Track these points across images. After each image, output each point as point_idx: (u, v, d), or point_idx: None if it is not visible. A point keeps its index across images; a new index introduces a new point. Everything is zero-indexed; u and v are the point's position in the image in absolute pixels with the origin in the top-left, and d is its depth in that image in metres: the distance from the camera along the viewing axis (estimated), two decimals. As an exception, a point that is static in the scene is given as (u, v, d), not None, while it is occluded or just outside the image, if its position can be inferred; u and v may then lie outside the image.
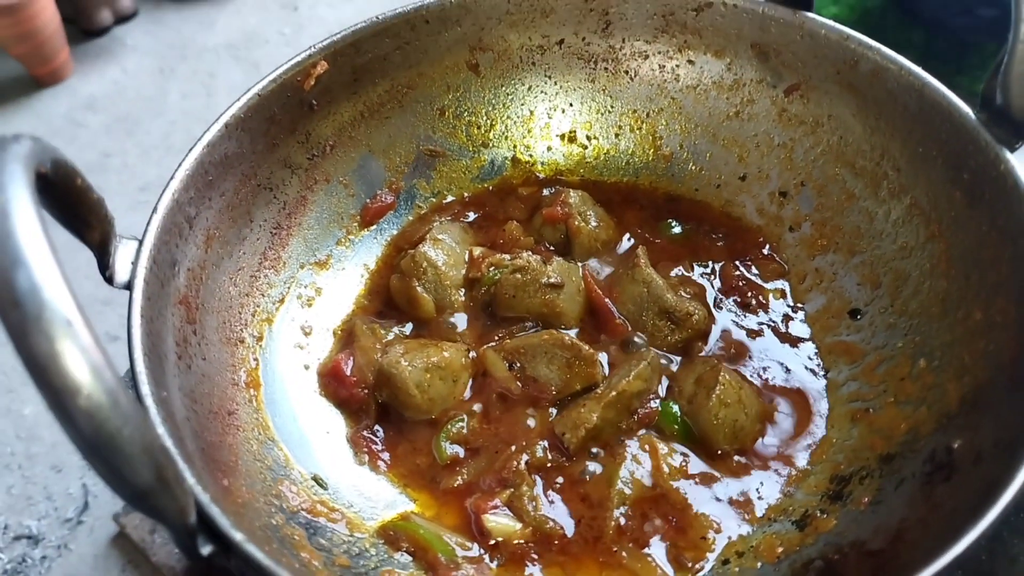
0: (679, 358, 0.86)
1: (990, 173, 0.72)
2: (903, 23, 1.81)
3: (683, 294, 0.89)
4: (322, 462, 0.78)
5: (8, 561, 1.22)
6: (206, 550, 0.53)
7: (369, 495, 0.77)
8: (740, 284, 0.90)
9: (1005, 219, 0.70)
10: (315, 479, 0.76)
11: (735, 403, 0.77)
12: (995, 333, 0.70)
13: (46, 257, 0.44)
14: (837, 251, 0.89)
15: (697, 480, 0.76)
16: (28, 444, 1.34)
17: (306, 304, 0.89)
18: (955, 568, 0.53)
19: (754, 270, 0.92)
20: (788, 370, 0.84)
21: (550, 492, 0.76)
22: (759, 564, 0.70)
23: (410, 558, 0.71)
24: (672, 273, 0.92)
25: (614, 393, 0.78)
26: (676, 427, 0.79)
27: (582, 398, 0.81)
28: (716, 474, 0.77)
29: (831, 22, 0.85)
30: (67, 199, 0.58)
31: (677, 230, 0.97)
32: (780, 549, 0.70)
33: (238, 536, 0.52)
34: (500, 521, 0.73)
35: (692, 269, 0.92)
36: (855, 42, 0.83)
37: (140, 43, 2.05)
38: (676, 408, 0.80)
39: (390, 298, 0.91)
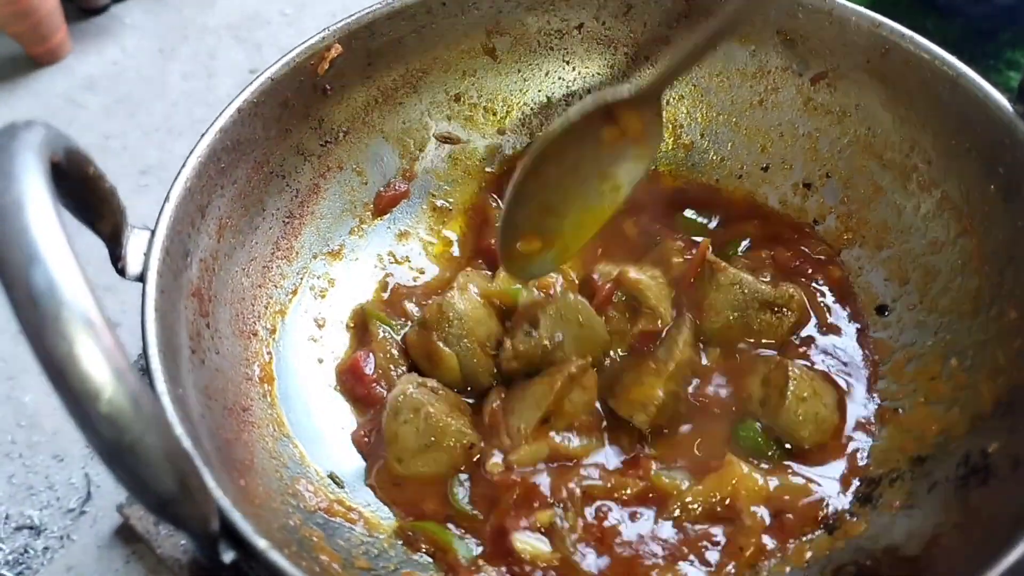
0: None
1: (1028, 167, 0.71)
2: (917, 9, 1.78)
3: (763, 278, 0.85)
4: (337, 459, 0.76)
5: (10, 552, 1.20)
6: (228, 557, 0.51)
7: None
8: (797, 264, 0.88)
9: (1043, 216, 0.69)
10: (331, 477, 0.74)
11: (812, 395, 0.75)
12: (1031, 333, 0.68)
13: (64, 254, 0.42)
14: (863, 245, 0.87)
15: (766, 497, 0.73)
16: (29, 432, 1.32)
17: (319, 295, 0.86)
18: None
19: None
20: (843, 362, 0.82)
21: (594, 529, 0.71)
22: (788, 568, 0.68)
23: (430, 559, 0.69)
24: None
25: (673, 364, 0.77)
26: (760, 440, 0.76)
27: (637, 375, 0.78)
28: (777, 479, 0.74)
29: (862, 9, 0.83)
30: (79, 189, 0.55)
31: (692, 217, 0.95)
32: (809, 554, 0.68)
33: (262, 544, 0.50)
34: (530, 542, 0.69)
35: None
36: (887, 30, 0.81)
37: (139, 22, 2.01)
38: (757, 425, 0.77)
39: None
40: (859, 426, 0.77)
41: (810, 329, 0.84)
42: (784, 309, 0.82)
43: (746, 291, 0.82)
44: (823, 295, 0.87)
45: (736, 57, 0.93)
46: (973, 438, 0.68)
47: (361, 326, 0.85)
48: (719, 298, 0.83)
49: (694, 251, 0.88)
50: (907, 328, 0.80)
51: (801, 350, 0.82)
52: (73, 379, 0.40)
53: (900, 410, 0.76)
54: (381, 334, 0.83)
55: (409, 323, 0.86)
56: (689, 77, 0.96)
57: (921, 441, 0.72)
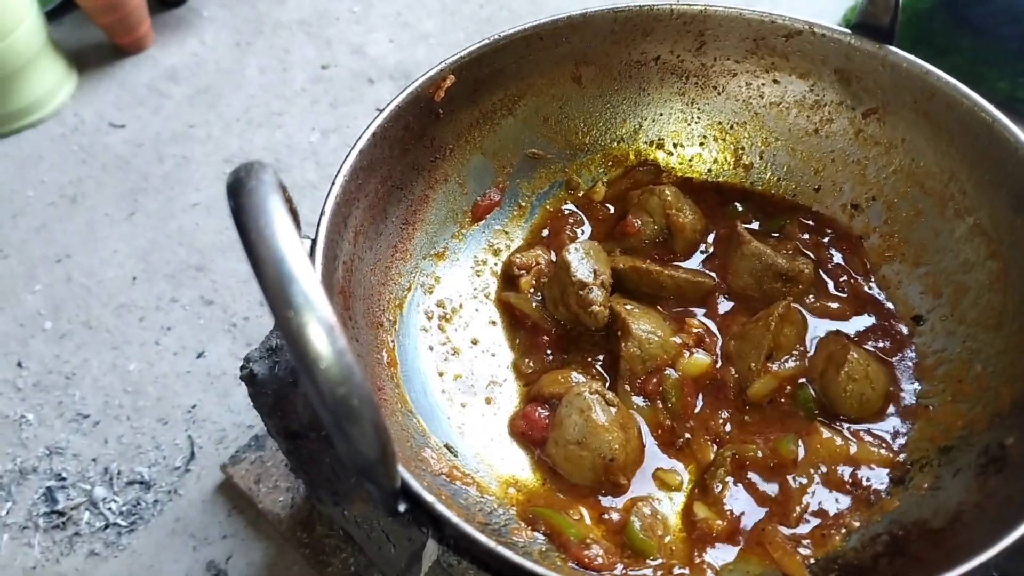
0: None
1: (1050, 206, 0.83)
2: (952, 27, 1.88)
3: (786, 252, 1.01)
4: (451, 432, 0.90)
5: (123, 503, 1.35)
6: (402, 507, 0.65)
7: (491, 463, 0.89)
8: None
9: (1061, 248, 0.81)
10: (447, 447, 0.88)
11: (862, 379, 0.88)
12: (1046, 347, 0.81)
13: (310, 275, 0.55)
14: (903, 261, 0.99)
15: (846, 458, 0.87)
16: (135, 398, 1.47)
17: (427, 292, 1.00)
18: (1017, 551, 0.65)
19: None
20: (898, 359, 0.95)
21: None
22: (836, 536, 0.82)
23: (544, 537, 0.82)
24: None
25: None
26: (812, 404, 0.91)
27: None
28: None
29: (912, 56, 0.94)
30: (283, 214, 0.68)
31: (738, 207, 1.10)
32: (856, 523, 0.82)
33: (430, 498, 0.65)
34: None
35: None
36: (934, 77, 0.93)
37: (216, 15, 2.14)
38: (811, 390, 0.92)
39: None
40: (899, 418, 0.90)
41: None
42: (794, 279, 0.98)
43: (762, 262, 0.98)
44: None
45: (795, 90, 1.05)
46: (992, 433, 0.81)
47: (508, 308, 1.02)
48: (741, 266, 1.00)
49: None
50: (939, 336, 0.93)
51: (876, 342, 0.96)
52: (320, 371, 0.54)
53: (931, 407, 0.89)
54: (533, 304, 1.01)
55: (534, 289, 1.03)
56: (751, 106, 1.08)
57: (948, 434, 0.85)
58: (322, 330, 0.54)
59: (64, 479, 1.37)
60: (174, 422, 1.44)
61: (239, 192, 0.59)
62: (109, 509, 1.34)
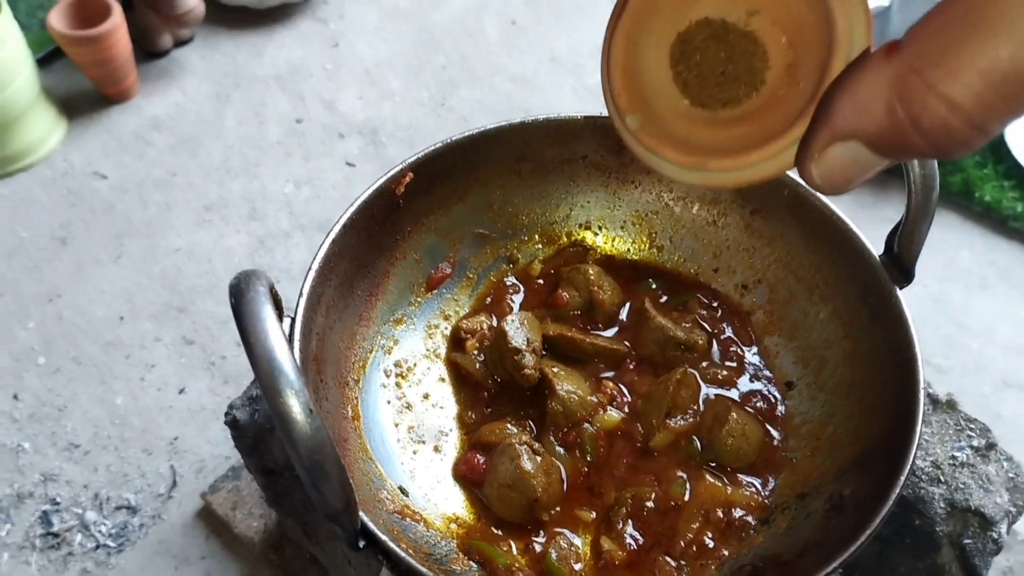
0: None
1: (886, 302, 1.04)
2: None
3: (685, 325, 1.20)
4: (403, 476, 1.08)
5: (112, 526, 1.51)
6: (362, 544, 0.83)
7: (436, 502, 1.08)
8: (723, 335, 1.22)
9: (892, 338, 1.02)
10: (400, 488, 1.06)
11: (740, 435, 1.08)
12: (878, 415, 1.01)
13: (293, 367, 0.73)
14: (780, 335, 1.20)
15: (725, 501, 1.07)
16: (121, 429, 1.63)
17: (387, 353, 1.18)
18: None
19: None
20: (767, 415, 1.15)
21: None
22: (712, 565, 1.02)
23: (477, 565, 1.01)
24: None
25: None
26: (699, 455, 1.10)
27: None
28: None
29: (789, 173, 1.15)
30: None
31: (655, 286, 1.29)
32: (725, 553, 1.02)
33: (385, 538, 0.83)
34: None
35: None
36: (802, 188, 1.14)
37: (197, 67, 2.30)
38: (698, 443, 1.11)
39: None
40: (769, 468, 1.11)
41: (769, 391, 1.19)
42: (691, 349, 1.19)
43: (664, 335, 1.18)
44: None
45: (698, 188, 1.26)
46: (837, 483, 1.02)
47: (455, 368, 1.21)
48: (647, 337, 1.20)
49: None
50: (804, 400, 1.14)
51: (756, 403, 1.16)
52: (302, 443, 0.72)
53: (794, 459, 1.09)
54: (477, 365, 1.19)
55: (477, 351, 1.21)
56: (662, 199, 1.29)
57: (805, 483, 1.06)
58: (303, 412, 0.72)
59: (58, 503, 1.53)
60: (158, 452, 1.61)
61: (240, 300, 0.77)
62: (99, 531, 1.50)
